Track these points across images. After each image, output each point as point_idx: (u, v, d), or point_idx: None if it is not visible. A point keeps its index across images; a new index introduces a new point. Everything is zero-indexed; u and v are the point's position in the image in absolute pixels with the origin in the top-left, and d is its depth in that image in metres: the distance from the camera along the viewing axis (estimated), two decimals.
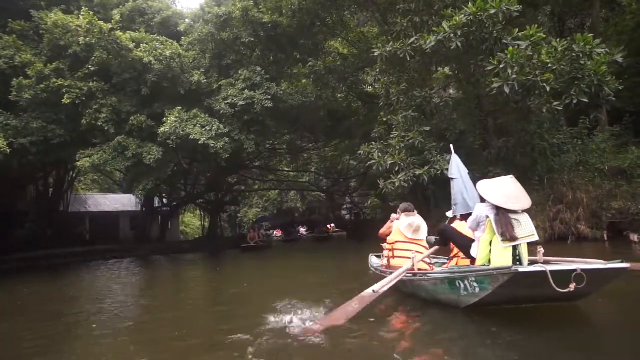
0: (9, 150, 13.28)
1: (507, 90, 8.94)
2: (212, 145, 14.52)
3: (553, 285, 3.27)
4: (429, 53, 10.35)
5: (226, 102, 15.31)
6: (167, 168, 16.44)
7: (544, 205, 11.68)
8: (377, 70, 11.70)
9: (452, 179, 6.33)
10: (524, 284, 3.51)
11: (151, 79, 15.44)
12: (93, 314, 6.39)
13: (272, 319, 4.58)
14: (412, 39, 10.51)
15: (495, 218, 3.96)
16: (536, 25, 9.05)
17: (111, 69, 15.52)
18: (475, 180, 5.22)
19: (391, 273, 4.94)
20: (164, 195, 29.59)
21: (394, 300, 5.22)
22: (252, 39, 16.20)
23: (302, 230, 39.91)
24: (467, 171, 6.49)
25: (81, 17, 14.82)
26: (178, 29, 18.29)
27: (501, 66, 8.90)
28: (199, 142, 14.36)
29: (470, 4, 9.35)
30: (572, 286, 3.29)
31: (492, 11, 9.09)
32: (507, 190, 4.15)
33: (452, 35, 9.56)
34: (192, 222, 46.33)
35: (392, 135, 11.56)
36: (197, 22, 17.94)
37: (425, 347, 3.48)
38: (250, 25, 16.39)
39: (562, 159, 12.23)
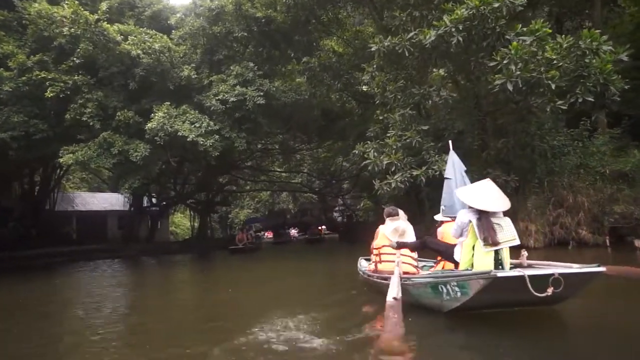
0: None
1: (510, 87, 8.55)
2: (202, 142, 13.98)
3: (531, 289, 3.30)
4: (428, 48, 9.93)
5: (217, 98, 14.79)
6: (155, 166, 15.87)
7: (543, 208, 11.33)
8: (374, 66, 11.26)
9: (447, 178, 6.29)
10: (503, 288, 3.53)
11: (139, 73, 14.88)
12: (56, 323, 5.89)
13: (250, 337, 4.14)
14: (411, 34, 10.09)
15: (478, 223, 4.00)
16: (541, 20, 8.64)
17: (97, 62, 14.94)
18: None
19: (378, 277, 5.13)
20: (153, 194, 28.97)
21: (378, 304, 5.05)
22: (245, 34, 15.72)
23: (294, 231, 39.41)
24: (464, 169, 6.40)
25: (66, 6, 14.19)
26: (169, 22, 17.73)
27: (504, 62, 8.51)
28: (188, 139, 13.83)
29: None
30: (550, 290, 3.31)
31: (496, 4, 8.70)
32: (485, 194, 4.19)
33: (453, 29, 9.15)
34: (183, 222, 45.56)
35: (388, 134, 11.14)
36: (189, 15, 17.40)
37: (408, 351, 3.47)
38: (243, 19, 15.92)
39: (562, 161, 11.89)
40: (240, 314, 5.78)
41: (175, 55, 15.83)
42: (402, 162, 10.51)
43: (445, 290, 3.96)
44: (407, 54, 10.31)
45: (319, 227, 33.51)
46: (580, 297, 4.05)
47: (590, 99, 8.67)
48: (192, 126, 14.11)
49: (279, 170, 32.86)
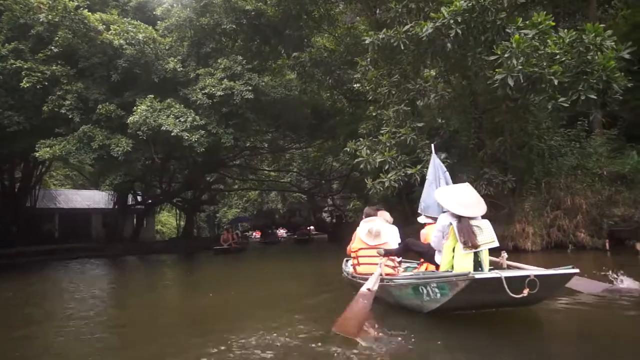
0: None
1: (511, 82, 8.14)
2: (187, 137, 13.37)
3: (507, 290, 3.37)
4: (425, 42, 9.50)
5: (203, 92, 14.19)
6: (138, 162, 15.25)
7: (540, 210, 10.97)
8: (368, 59, 10.78)
9: (428, 179, 6.40)
10: (481, 289, 3.60)
11: (122, 65, 14.23)
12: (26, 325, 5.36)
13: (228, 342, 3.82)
14: (407, 26, 9.64)
15: (458, 226, 4.07)
16: (544, 12, 8.25)
17: (78, 52, 14.24)
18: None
19: (359, 279, 5.09)
20: (138, 192, 28.23)
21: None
22: (234, 26, 15.09)
23: (282, 231, 38.89)
24: (445, 171, 6.49)
25: None
26: (154, 13, 17.07)
27: (505, 56, 8.09)
28: (172, 134, 13.20)
29: None
30: (526, 291, 3.40)
31: None
32: (464, 198, 4.27)
33: (451, 22, 8.73)
34: (169, 221, 44.72)
35: (382, 131, 10.68)
36: (176, 6, 16.74)
37: (388, 352, 3.47)
38: (232, 11, 15.34)
39: (559, 162, 11.55)
40: (221, 318, 5.28)
41: (161, 47, 15.21)
42: (396, 160, 10.07)
43: (425, 291, 4.01)
44: (402, 48, 9.86)
45: (308, 228, 33.04)
46: (555, 298, 4.25)
47: (593, 96, 8.30)
48: (177, 120, 13.49)
49: (267, 169, 32.27)
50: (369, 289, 4.20)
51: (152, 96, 13.91)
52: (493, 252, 4.38)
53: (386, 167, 10.10)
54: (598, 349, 3.40)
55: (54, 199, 31.23)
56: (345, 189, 31.36)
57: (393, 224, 5.80)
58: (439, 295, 3.86)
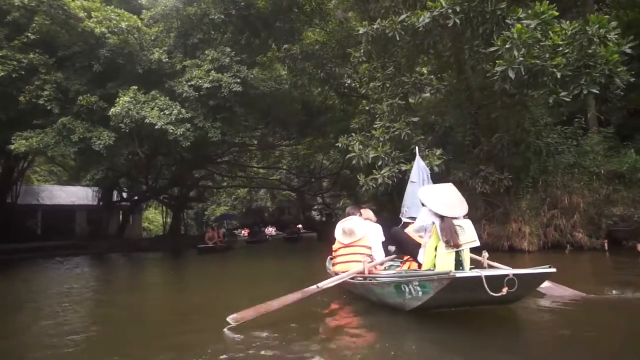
0: None
1: (511, 74, 7.78)
2: (171, 131, 12.78)
3: (487, 289, 3.42)
4: (421, 32, 9.11)
5: (190, 84, 13.60)
6: (121, 156, 14.61)
7: (537, 209, 10.66)
8: (362, 51, 10.34)
9: (412, 182, 6.38)
10: (462, 288, 3.66)
11: (104, 54, 13.58)
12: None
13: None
14: (403, 16, 9.22)
15: (441, 225, 4.14)
16: (547, 2, 7.88)
17: (57, 40, 13.56)
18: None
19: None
20: (124, 188, 27.50)
21: (344, 301, 5.31)
22: (222, 17, 14.51)
23: (272, 230, 38.37)
24: (428, 173, 6.56)
25: None
26: (139, 1, 16.42)
27: (506, 47, 7.72)
28: (156, 127, 12.62)
29: None
30: (505, 290, 3.46)
31: None
32: (447, 198, 4.35)
33: (449, 11, 8.34)
34: (157, 218, 43.88)
35: (375, 126, 10.26)
36: None
37: (370, 349, 3.51)
38: (221, 1, 14.77)
39: (556, 160, 11.25)
40: (190, 324, 4.77)
41: (146, 37, 14.60)
42: (390, 155, 9.65)
43: (407, 289, 4.04)
44: (397, 39, 9.45)
45: (297, 226, 32.58)
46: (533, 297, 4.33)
47: (595, 91, 7.99)
48: (162, 113, 12.90)
49: (256, 166, 31.74)
50: (317, 286, 4.38)
51: (136, 87, 13.30)
52: (474, 250, 4.50)
53: (379, 163, 9.69)
54: (574, 342, 3.50)
55: (36, 194, 30.40)
56: (335, 187, 31.00)
57: (384, 223, 5.81)
58: (420, 293, 3.90)
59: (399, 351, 3.38)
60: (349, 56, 11.85)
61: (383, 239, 5.65)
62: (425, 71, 11.91)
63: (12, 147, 12.75)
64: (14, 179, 24.24)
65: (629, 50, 8.28)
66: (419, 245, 4.67)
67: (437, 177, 10.14)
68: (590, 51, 7.99)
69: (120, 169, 23.16)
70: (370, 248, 5.37)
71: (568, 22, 8.22)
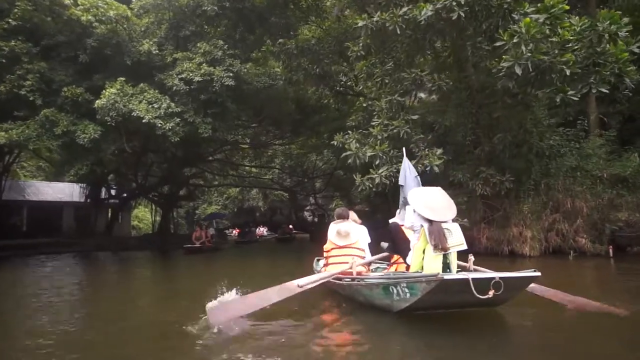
0: None
1: (518, 71, 7.40)
2: (160, 125, 12.25)
3: (474, 291, 3.46)
4: (423, 26, 8.69)
5: (180, 77, 13.07)
6: (107, 150, 14.02)
7: (539, 213, 10.30)
8: (360, 44, 9.89)
9: (401, 186, 6.38)
10: (449, 290, 3.69)
11: (91, 44, 13.02)
12: None
13: None
14: (405, 9, 8.80)
15: (429, 228, 4.17)
16: None
17: (41, 28, 12.96)
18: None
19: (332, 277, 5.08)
20: (112, 185, 26.82)
21: (330, 302, 5.26)
22: (216, 9, 13.96)
23: (263, 229, 37.83)
24: (416, 175, 6.53)
25: None
26: None
27: (514, 41, 7.33)
28: (144, 121, 12.08)
29: None
30: (491, 293, 3.50)
31: None
32: (435, 202, 4.39)
33: (454, 3, 7.93)
34: (146, 216, 43.15)
35: (373, 123, 9.81)
36: None
37: (357, 351, 3.48)
38: None
39: (558, 162, 10.90)
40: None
41: (135, 28, 14.04)
42: (388, 154, 9.22)
43: (395, 291, 4.07)
44: (398, 32, 9.01)
45: (290, 227, 32.10)
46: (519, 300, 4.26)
47: (605, 90, 7.65)
48: (150, 107, 12.37)
49: (249, 165, 31.20)
50: (299, 285, 4.29)
51: (123, 79, 12.74)
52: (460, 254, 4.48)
53: (377, 162, 9.25)
54: (560, 345, 3.51)
55: (22, 190, 29.57)
56: (328, 187, 30.56)
57: (378, 225, 6.08)
58: (408, 295, 3.92)
59: (386, 352, 3.41)
60: (346, 52, 11.40)
61: (369, 240, 5.62)
62: (423, 72, 11.47)
63: None
64: None
65: (637, 50, 7.95)
66: (409, 242, 4.71)
67: (435, 178, 9.78)
68: (599, 49, 7.66)
69: (108, 166, 22.64)
70: (363, 251, 5.42)
71: (577, 17, 7.87)
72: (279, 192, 37.32)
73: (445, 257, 4.14)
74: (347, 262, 5.15)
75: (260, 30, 16.37)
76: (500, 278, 3.55)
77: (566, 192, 10.48)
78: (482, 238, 10.46)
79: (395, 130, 9.40)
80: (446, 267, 4.14)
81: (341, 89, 18.58)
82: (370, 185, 9.36)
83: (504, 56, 7.49)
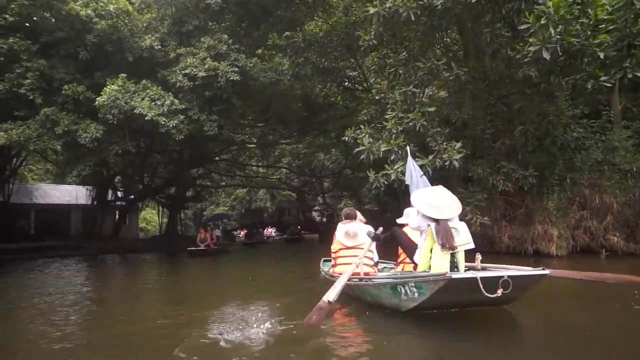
0: None
1: (546, 55, 6.81)
2: (163, 122, 11.79)
3: (483, 290, 3.46)
4: (439, 11, 8.13)
5: (184, 73, 12.61)
6: (110, 151, 13.61)
7: (565, 210, 9.66)
8: (372, 33, 9.33)
9: (407, 185, 6.32)
10: (458, 289, 3.68)
11: (92, 40, 12.59)
12: None
13: None
14: None
15: (437, 228, 4.16)
16: None
17: (41, 25, 12.56)
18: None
19: (336, 277, 5.04)
20: (119, 187, 26.54)
21: (338, 302, 4.94)
22: (220, 2, 13.47)
23: (271, 231, 37.34)
24: (422, 174, 6.43)
25: None
26: None
27: (541, 22, 6.73)
28: (146, 118, 11.62)
29: None
30: (500, 291, 3.48)
31: None
32: (439, 201, 4.35)
33: None
34: (154, 218, 43.02)
35: (387, 116, 9.25)
36: None
37: (366, 350, 3.43)
38: None
39: (583, 156, 10.25)
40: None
41: (137, 23, 13.59)
42: (404, 149, 8.65)
43: (403, 290, 4.06)
44: (412, 19, 8.45)
45: (299, 227, 31.59)
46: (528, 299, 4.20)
47: None
48: (153, 104, 11.90)
49: (255, 165, 30.77)
50: (329, 301, 4.08)
51: (125, 76, 12.28)
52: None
53: (392, 157, 8.69)
54: (569, 343, 3.48)
55: (29, 193, 29.65)
56: (336, 187, 30.02)
57: (387, 224, 5.70)
58: (416, 294, 3.91)
59: (394, 352, 3.42)
60: (354, 47, 10.86)
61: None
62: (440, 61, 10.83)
63: None
64: (6, 177, 23.39)
65: None
66: (416, 246, 4.68)
67: (452, 174, 9.19)
68: (635, 29, 7.04)
69: (114, 167, 22.32)
70: (372, 252, 5.38)
71: None
72: (286, 192, 36.87)
73: (452, 256, 4.12)
74: (363, 264, 5.11)
75: (266, 26, 15.89)
76: (509, 277, 3.53)
77: (593, 187, 9.84)
78: (504, 237, 9.86)
79: (411, 124, 8.83)
80: (454, 266, 4.11)
81: (349, 84, 18.02)
82: (385, 182, 8.80)
83: (530, 39, 6.89)
